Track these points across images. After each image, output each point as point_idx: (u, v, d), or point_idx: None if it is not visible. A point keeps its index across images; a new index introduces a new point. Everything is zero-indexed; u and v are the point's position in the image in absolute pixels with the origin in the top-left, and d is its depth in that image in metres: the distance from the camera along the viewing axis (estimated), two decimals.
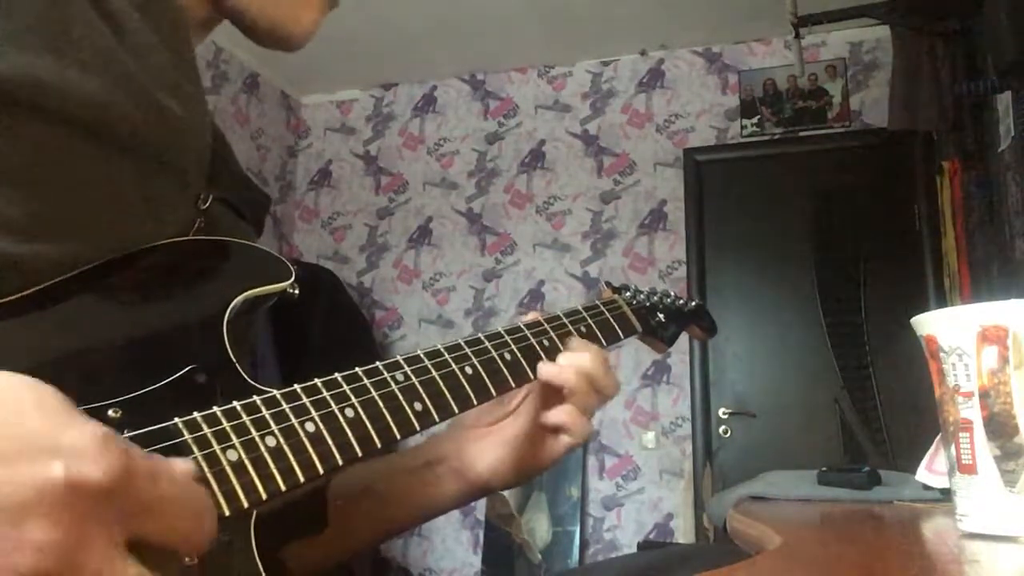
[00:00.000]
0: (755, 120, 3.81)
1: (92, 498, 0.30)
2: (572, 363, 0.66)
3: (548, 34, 3.82)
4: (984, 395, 0.51)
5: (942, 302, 3.11)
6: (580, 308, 0.74)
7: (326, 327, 3.59)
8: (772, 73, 3.82)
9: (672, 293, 0.88)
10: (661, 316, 0.83)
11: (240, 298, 0.53)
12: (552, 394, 0.68)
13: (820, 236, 3.61)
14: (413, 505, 0.72)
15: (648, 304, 0.82)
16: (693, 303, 0.89)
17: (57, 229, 0.48)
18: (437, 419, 0.55)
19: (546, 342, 0.67)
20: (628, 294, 0.82)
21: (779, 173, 3.73)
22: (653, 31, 3.81)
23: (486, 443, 0.70)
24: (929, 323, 0.56)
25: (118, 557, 0.31)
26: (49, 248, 0.47)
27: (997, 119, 2.45)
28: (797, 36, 2.92)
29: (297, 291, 0.56)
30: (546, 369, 0.65)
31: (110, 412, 0.41)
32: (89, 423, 0.32)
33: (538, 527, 3.61)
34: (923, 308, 0.61)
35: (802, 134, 3.75)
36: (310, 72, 4.14)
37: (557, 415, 0.66)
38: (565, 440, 0.67)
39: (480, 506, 3.77)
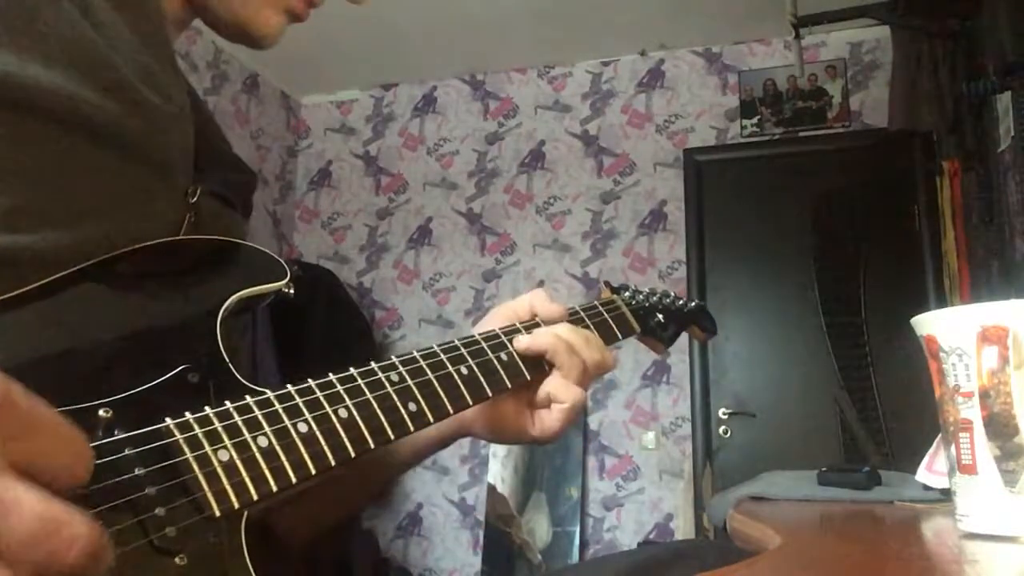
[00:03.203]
0: (755, 120, 3.80)
1: None
2: (547, 331, 0.66)
3: (548, 34, 3.82)
4: (984, 395, 0.51)
5: (942, 302, 3.10)
6: (578, 308, 0.74)
7: (326, 327, 3.59)
8: (772, 73, 3.81)
9: (672, 293, 0.87)
10: (660, 316, 0.82)
11: (234, 297, 0.52)
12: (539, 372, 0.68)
13: (820, 236, 3.61)
14: (399, 455, 0.71)
15: (647, 304, 0.82)
16: (693, 303, 0.89)
17: (38, 221, 0.48)
18: (432, 420, 0.54)
19: None
20: (627, 294, 0.82)
21: (779, 173, 3.73)
22: (653, 31, 3.81)
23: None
24: (929, 323, 0.56)
25: (5, 472, 0.28)
26: (31, 239, 0.48)
27: (997, 119, 2.44)
28: (797, 36, 2.92)
29: (293, 291, 0.56)
30: (521, 340, 0.65)
31: (101, 412, 0.41)
32: None
33: (538, 527, 3.60)
34: (923, 308, 0.61)
35: (802, 134, 3.74)
36: (310, 72, 4.14)
37: (544, 386, 0.66)
38: (557, 408, 0.66)
39: (480, 506, 3.77)
